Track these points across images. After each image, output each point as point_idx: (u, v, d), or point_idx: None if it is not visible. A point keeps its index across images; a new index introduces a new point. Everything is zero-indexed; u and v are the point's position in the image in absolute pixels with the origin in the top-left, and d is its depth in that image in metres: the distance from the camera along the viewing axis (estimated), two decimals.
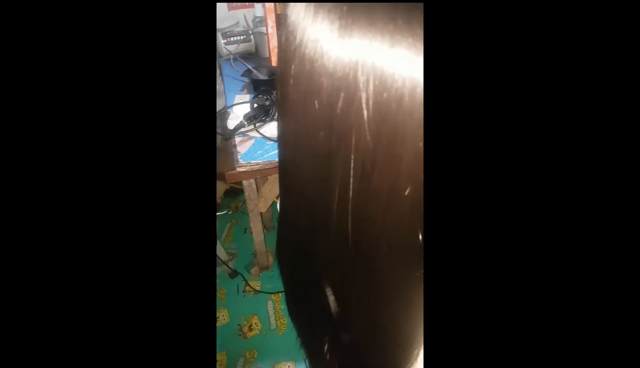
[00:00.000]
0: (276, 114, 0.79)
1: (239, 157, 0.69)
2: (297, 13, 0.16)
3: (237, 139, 0.75)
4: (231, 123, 0.79)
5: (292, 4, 0.16)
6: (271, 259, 1.29)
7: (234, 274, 1.26)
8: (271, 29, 0.97)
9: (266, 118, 0.77)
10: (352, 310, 0.22)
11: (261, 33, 1.21)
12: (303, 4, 0.15)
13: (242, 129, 0.74)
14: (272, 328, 1.11)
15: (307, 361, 0.36)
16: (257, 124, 0.76)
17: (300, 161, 0.20)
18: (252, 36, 1.25)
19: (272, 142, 0.74)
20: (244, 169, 0.67)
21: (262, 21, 1.26)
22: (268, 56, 1.21)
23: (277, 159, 0.66)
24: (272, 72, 0.98)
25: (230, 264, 1.23)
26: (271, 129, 0.77)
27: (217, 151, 0.96)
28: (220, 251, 1.18)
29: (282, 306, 1.17)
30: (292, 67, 0.17)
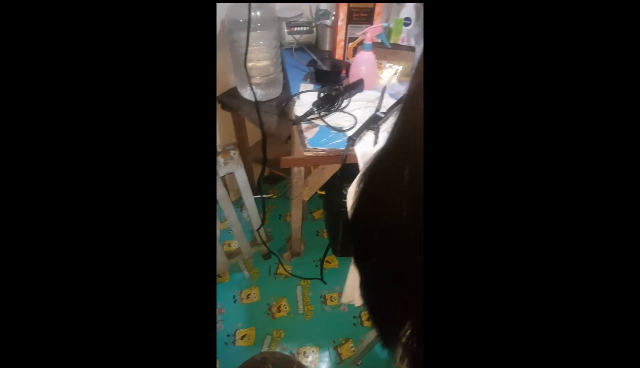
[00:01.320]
0: (343, 105, 0.82)
1: (306, 142, 0.71)
2: None
3: (304, 125, 0.77)
4: (298, 109, 0.82)
5: None
6: (303, 247, 1.32)
7: (268, 255, 1.30)
8: (341, 22, 0.99)
9: (332, 108, 0.80)
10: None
11: (324, 25, 1.24)
12: None
13: (310, 117, 0.77)
14: (299, 312, 1.14)
15: (381, 340, 0.39)
16: (323, 113, 0.78)
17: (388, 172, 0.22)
18: (314, 28, 1.27)
19: (336, 131, 0.76)
20: (311, 154, 0.70)
21: (325, 14, 1.29)
22: (331, 48, 1.24)
23: (340, 148, 0.67)
24: (335, 65, 1.00)
25: (267, 245, 1.27)
26: (335, 119, 0.79)
27: (267, 136, 1.00)
28: (261, 232, 1.22)
29: (310, 293, 1.20)
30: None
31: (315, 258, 1.32)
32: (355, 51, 1.03)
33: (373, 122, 0.74)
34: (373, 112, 0.80)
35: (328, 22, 1.26)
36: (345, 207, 1.10)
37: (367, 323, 1.12)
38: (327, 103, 0.79)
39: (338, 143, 0.72)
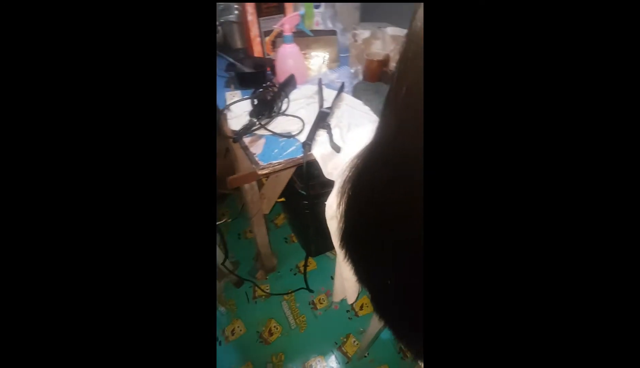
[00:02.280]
0: (282, 107, 0.75)
1: (256, 158, 0.64)
2: None
3: (246, 139, 0.69)
4: (233, 122, 0.73)
5: None
6: (275, 259, 1.25)
7: (240, 282, 1.20)
8: (251, 16, 0.91)
9: (272, 113, 0.73)
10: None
11: (229, 22, 1.13)
12: None
13: (252, 129, 0.69)
14: (292, 328, 1.09)
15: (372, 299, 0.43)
16: (264, 122, 0.71)
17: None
18: (219, 27, 1.16)
19: (285, 137, 0.70)
20: (267, 171, 0.63)
21: (226, 9, 1.17)
22: (243, 45, 1.13)
23: (297, 156, 0.63)
24: (257, 64, 0.92)
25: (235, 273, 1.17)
26: (279, 124, 0.72)
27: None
28: (220, 258, 1.12)
29: (298, 304, 1.15)
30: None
31: (292, 266, 1.27)
32: (274, 44, 0.96)
33: (322, 121, 0.70)
34: (317, 109, 0.75)
35: (233, 17, 1.15)
36: (311, 205, 1.06)
37: (361, 313, 1.12)
38: (265, 109, 0.72)
39: (293, 151, 0.66)
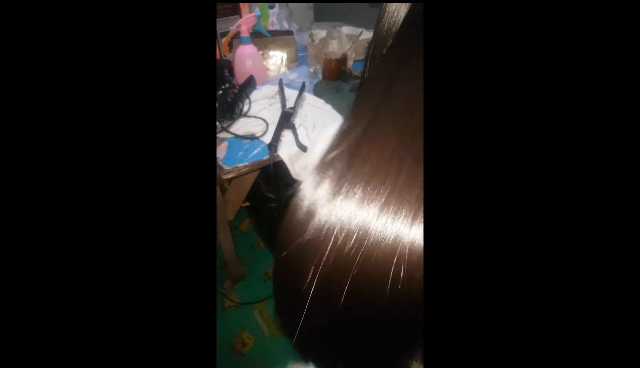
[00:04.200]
0: (244, 109, 0.72)
1: (220, 162, 0.61)
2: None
3: None
4: None
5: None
6: (243, 267, 1.21)
7: None
8: None
9: (234, 115, 0.70)
10: None
11: None
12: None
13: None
14: (266, 336, 1.06)
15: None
16: (226, 124, 0.68)
17: None
18: None
19: (249, 139, 0.68)
20: (232, 175, 0.60)
21: None
22: None
23: (263, 158, 0.62)
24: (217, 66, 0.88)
25: None
26: (242, 126, 0.70)
27: None
28: None
29: (270, 312, 1.12)
30: None
31: (261, 273, 1.24)
32: (231, 46, 0.93)
33: (286, 121, 0.69)
34: (280, 109, 0.74)
35: None
36: (279, 207, 1.04)
37: None
38: (227, 112, 0.69)
39: (258, 153, 0.64)
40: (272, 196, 1.03)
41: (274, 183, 0.84)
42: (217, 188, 0.90)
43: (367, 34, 0.88)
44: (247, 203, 1.04)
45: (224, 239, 1.04)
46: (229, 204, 0.95)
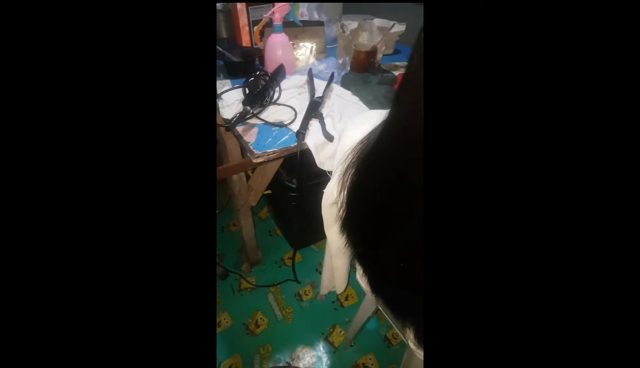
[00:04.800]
0: (275, 98, 0.74)
1: (251, 147, 0.63)
2: None
3: (239, 128, 0.68)
4: (225, 111, 0.72)
5: None
6: (260, 252, 1.25)
7: (225, 275, 1.19)
8: (240, 5, 0.89)
9: (264, 102, 0.72)
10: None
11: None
12: None
13: (246, 118, 0.68)
14: (279, 319, 1.09)
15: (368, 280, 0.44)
16: (257, 110, 0.70)
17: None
18: None
19: (278, 127, 0.69)
20: (262, 160, 0.62)
21: None
22: (228, 35, 1.11)
23: (290, 145, 0.64)
24: (246, 53, 0.90)
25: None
26: (271, 113, 0.72)
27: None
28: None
29: (284, 296, 1.15)
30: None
31: (277, 259, 1.27)
32: (262, 34, 0.95)
33: (314, 110, 0.70)
34: (308, 98, 0.76)
35: (219, 6, 1.12)
36: (299, 198, 1.06)
37: (347, 303, 1.14)
38: (258, 98, 0.71)
39: (286, 140, 0.66)
40: (293, 185, 1.05)
41: (296, 173, 0.85)
42: (242, 174, 0.93)
43: (398, 27, 0.88)
44: (269, 191, 1.06)
45: (245, 223, 1.07)
46: (252, 191, 0.98)
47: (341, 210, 0.43)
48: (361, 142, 0.40)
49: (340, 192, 0.42)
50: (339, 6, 1.39)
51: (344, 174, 0.41)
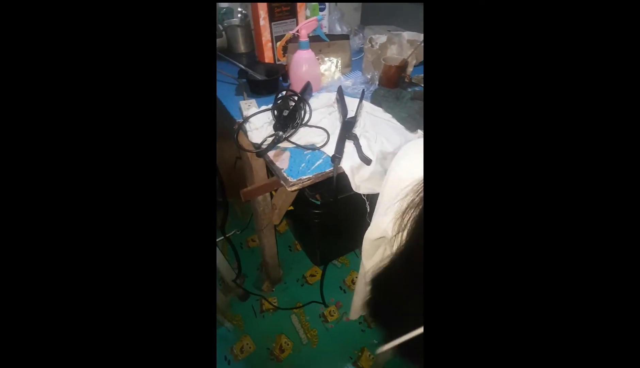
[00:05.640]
0: (305, 119, 0.71)
1: (284, 174, 0.60)
2: None
3: (270, 153, 0.65)
4: (253, 135, 0.69)
5: None
6: (281, 271, 1.21)
7: (245, 296, 1.15)
8: (263, 21, 0.86)
9: (295, 124, 0.69)
10: None
11: (233, 26, 1.07)
12: None
13: (278, 143, 0.65)
14: (304, 343, 1.05)
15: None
16: (288, 134, 0.67)
17: None
18: (223, 31, 1.10)
19: (310, 150, 0.66)
20: (296, 188, 0.59)
21: (228, 12, 1.12)
22: (247, 50, 1.08)
23: (326, 170, 0.60)
24: (270, 70, 0.87)
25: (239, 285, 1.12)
26: (302, 136, 0.68)
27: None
28: (229, 273, 1.06)
29: (308, 317, 1.11)
30: None
31: (298, 276, 1.23)
32: (285, 50, 0.92)
33: (348, 131, 0.66)
34: (340, 118, 0.72)
35: (236, 21, 1.10)
36: (319, 216, 1.02)
37: (375, 324, 1.09)
38: (289, 120, 0.68)
39: (320, 165, 0.62)
40: (317, 201, 1.01)
41: (331, 196, 0.82)
42: (267, 194, 0.90)
43: None
44: (291, 207, 1.03)
45: (268, 242, 1.04)
46: (276, 209, 0.95)
47: (399, 249, 0.40)
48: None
49: (399, 233, 0.39)
50: (356, 16, 1.36)
51: (404, 213, 0.37)
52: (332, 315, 1.12)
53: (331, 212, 1.02)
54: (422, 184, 0.36)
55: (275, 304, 1.14)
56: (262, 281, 1.20)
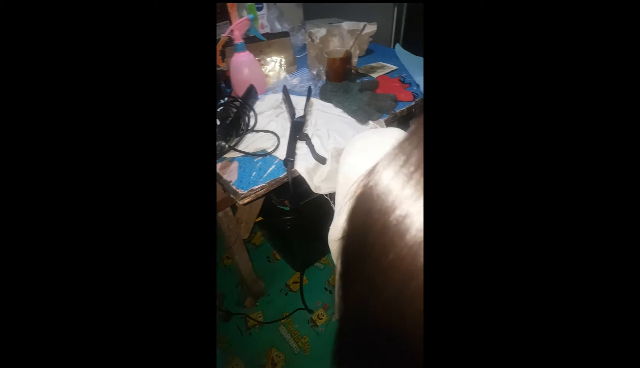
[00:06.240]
0: (251, 124, 0.67)
1: (233, 187, 0.56)
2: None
3: (217, 166, 0.61)
4: None
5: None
6: (262, 282, 1.17)
7: (229, 316, 1.10)
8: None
9: (240, 131, 0.65)
10: None
11: None
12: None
13: (224, 155, 0.60)
14: (296, 352, 1.02)
15: None
16: (234, 142, 0.63)
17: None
18: None
19: (261, 156, 0.62)
20: (248, 199, 0.55)
21: None
22: None
23: (280, 176, 0.56)
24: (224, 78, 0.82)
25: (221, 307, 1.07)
26: (251, 142, 0.65)
27: None
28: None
29: (297, 326, 1.08)
30: None
31: (282, 286, 1.19)
32: (223, 55, 0.87)
33: (298, 131, 0.63)
34: (289, 119, 0.69)
35: None
36: (291, 221, 0.99)
37: None
38: (232, 128, 0.64)
39: (273, 171, 0.59)
40: (286, 208, 0.98)
41: (288, 195, 0.78)
42: (228, 209, 0.85)
43: (370, 28, 0.82)
44: (260, 218, 0.99)
45: (241, 259, 0.99)
46: (242, 223, 0.90)
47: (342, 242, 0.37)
48: (368, 175, 0.34)
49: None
50: (299, 13, 1.33)
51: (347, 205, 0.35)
52: (320, 319, 1.09)
53: (303, 216, 0.99)
54: (367, 178, 0.34)
55: (260, 319, 1.10)
56: (244, 298, 1.15)
